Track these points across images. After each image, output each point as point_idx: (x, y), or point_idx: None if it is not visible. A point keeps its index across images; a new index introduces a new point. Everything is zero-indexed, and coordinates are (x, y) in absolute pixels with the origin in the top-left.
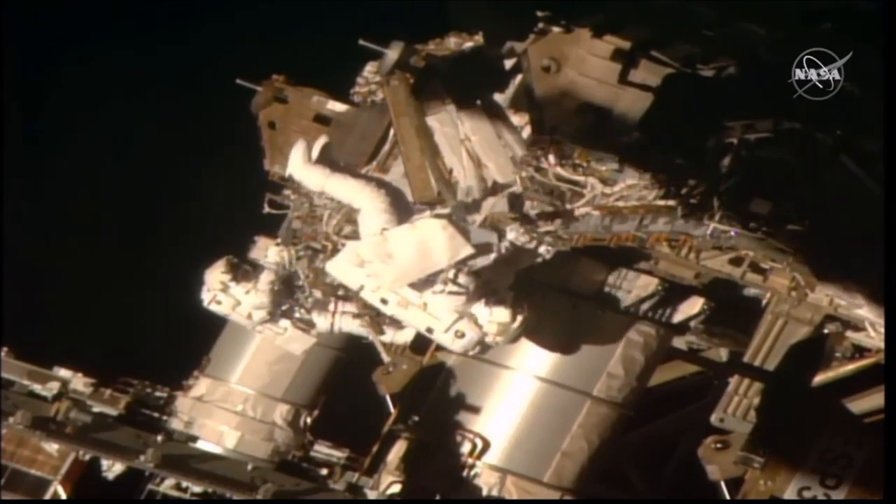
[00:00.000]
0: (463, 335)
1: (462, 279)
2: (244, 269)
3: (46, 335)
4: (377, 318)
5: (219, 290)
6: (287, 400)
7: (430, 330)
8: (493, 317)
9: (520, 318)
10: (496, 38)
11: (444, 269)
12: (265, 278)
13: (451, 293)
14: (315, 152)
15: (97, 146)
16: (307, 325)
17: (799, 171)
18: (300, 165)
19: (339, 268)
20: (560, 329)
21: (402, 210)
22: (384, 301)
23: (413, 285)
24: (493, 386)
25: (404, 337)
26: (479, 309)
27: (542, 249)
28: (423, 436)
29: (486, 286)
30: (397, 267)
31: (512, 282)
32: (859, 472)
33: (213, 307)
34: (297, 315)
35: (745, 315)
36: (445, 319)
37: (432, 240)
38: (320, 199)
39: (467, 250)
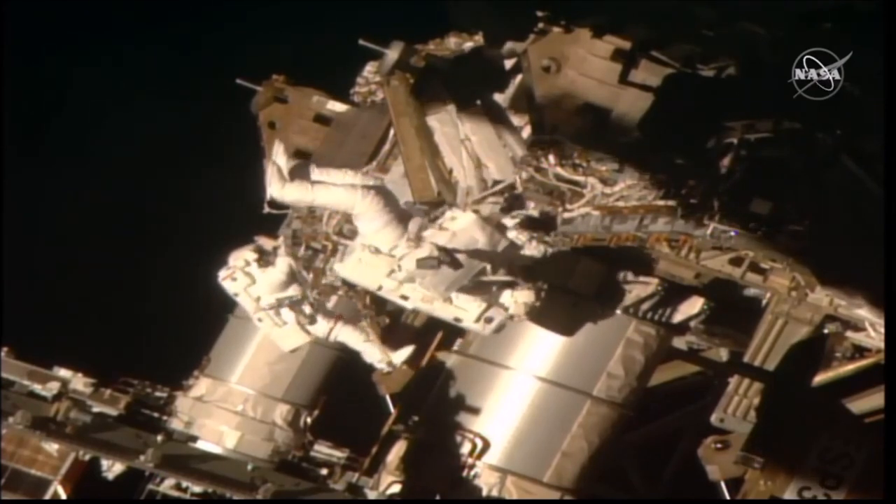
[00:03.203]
0: (491, 319)
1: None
2: (268, 258)
3: (46, 335)
4: (376, 319)
5: (239, 268)
6: (287, 400)
7: (458, 320)
8: (518, 297)
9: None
10: (496, 38)
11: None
12: (282, 260)
13: (498, 287)
14: (285, 171)
15: (97, 146)
16: (310, 321)
17: (799, 171)
18: (279, 189)
19: (352, 270)
20: (560, 329)
21: (396, 208)
22: (405, 297)
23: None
24: (493, 386)
25: (400, 357)
26: (504, 292)
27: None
28: (423, 436)
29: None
30: (447, 274)
31: None
32: (859, 472)
33: (227, 283)
34: (304, 309)
35: (745, 315)
36: (474, 310)
37: (475, 241)
38: None
39: (504, 243)
